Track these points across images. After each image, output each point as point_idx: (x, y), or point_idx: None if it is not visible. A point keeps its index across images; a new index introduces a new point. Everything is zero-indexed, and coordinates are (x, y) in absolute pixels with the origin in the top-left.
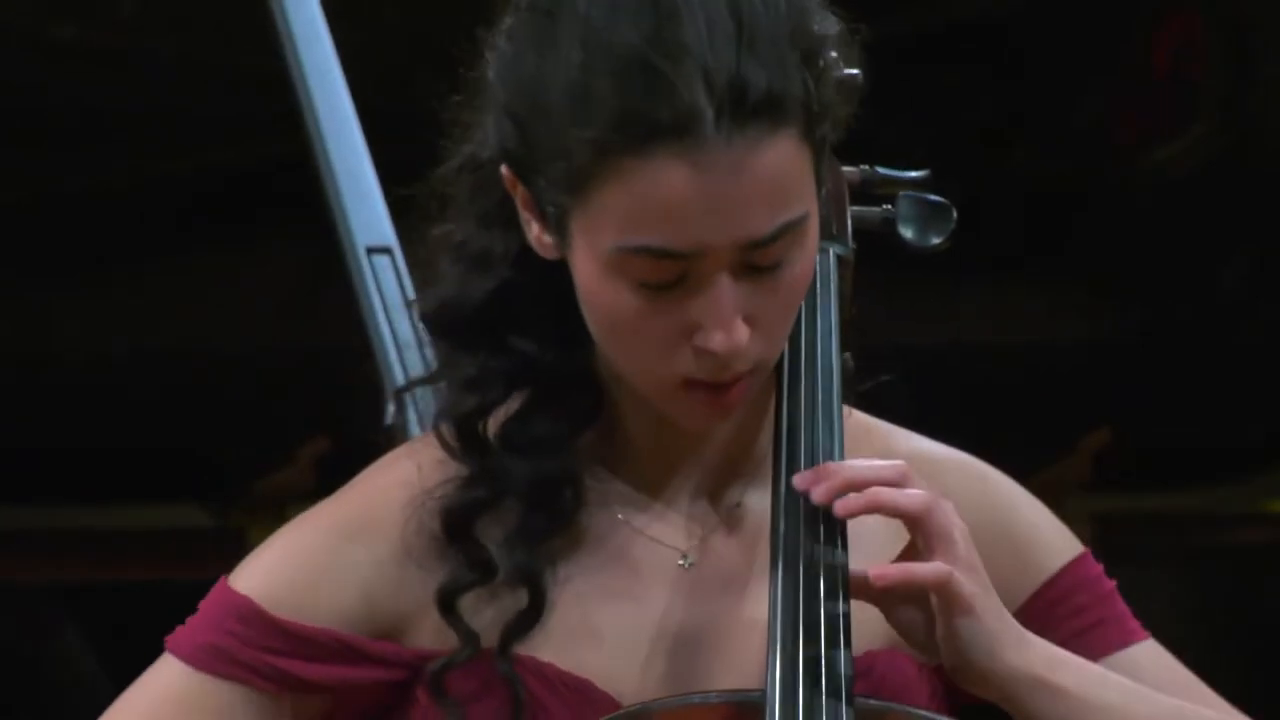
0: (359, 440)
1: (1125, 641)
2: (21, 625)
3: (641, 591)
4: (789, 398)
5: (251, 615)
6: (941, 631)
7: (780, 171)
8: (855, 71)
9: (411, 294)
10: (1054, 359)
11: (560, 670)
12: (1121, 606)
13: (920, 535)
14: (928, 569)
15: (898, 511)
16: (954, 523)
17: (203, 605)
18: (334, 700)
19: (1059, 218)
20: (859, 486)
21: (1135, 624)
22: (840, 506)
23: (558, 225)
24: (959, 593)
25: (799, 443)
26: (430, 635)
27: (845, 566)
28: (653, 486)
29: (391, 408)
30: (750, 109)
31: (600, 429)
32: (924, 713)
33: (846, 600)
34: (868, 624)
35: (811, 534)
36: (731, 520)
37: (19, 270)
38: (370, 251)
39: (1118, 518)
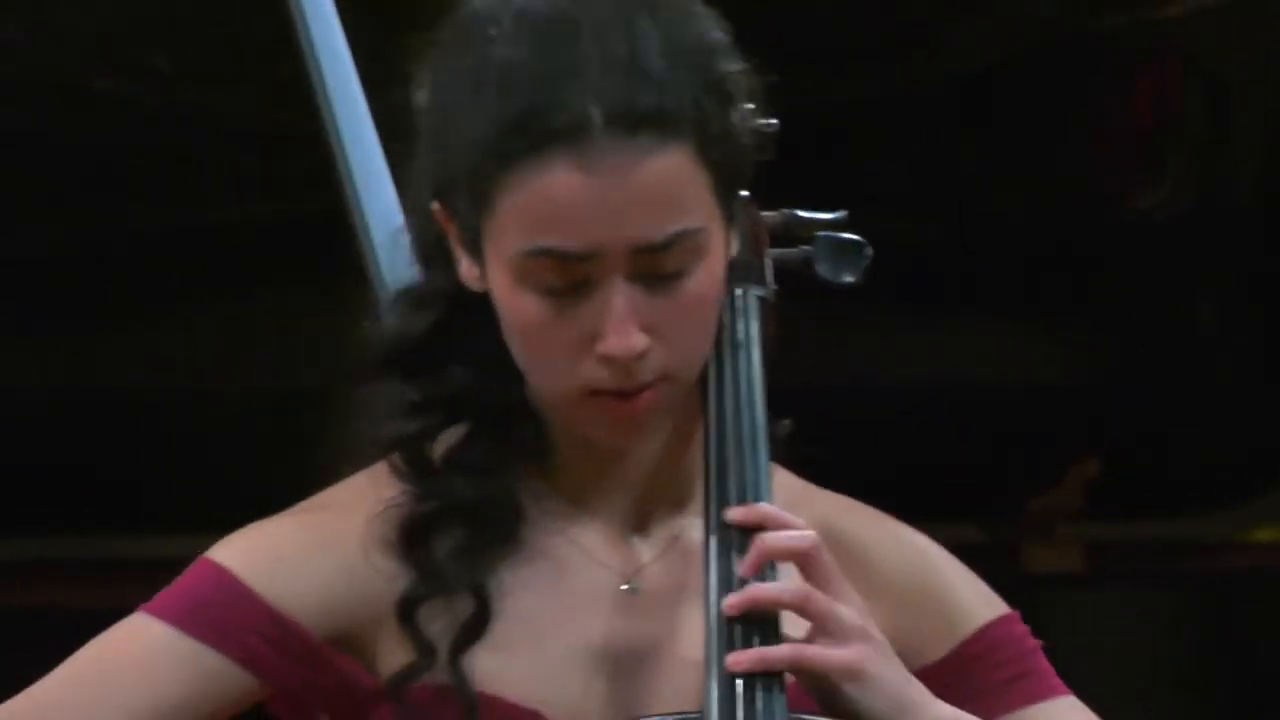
0: None
1: (1046, 695)
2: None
3: (585, 613)
4: (716, 433)
5: (231, 586)
6: (842, 700)
7: (669, 181)
8: (773, 121)
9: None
10: (1044, 396)
11: (503, 700)
12: (1045, 664)
13: (808, 618)
14: (831, 659)
15: (778, 605)
16: (833, 609)
17: (180, 577)
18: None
19: (1048, 262)
20: (771, 550)
21: (1058, 681)
22: (729, 606)
23: (474, 248)
24: (868, 674)
25: (728, 477)
26: (385, 657)
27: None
28: (594, 513)
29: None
30: (638, 119)
31: (541, 455)
32: None
33: (777, 627)
34: None
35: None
36: (671, 550)
37: (63, 312)
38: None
39: (1106, 545)
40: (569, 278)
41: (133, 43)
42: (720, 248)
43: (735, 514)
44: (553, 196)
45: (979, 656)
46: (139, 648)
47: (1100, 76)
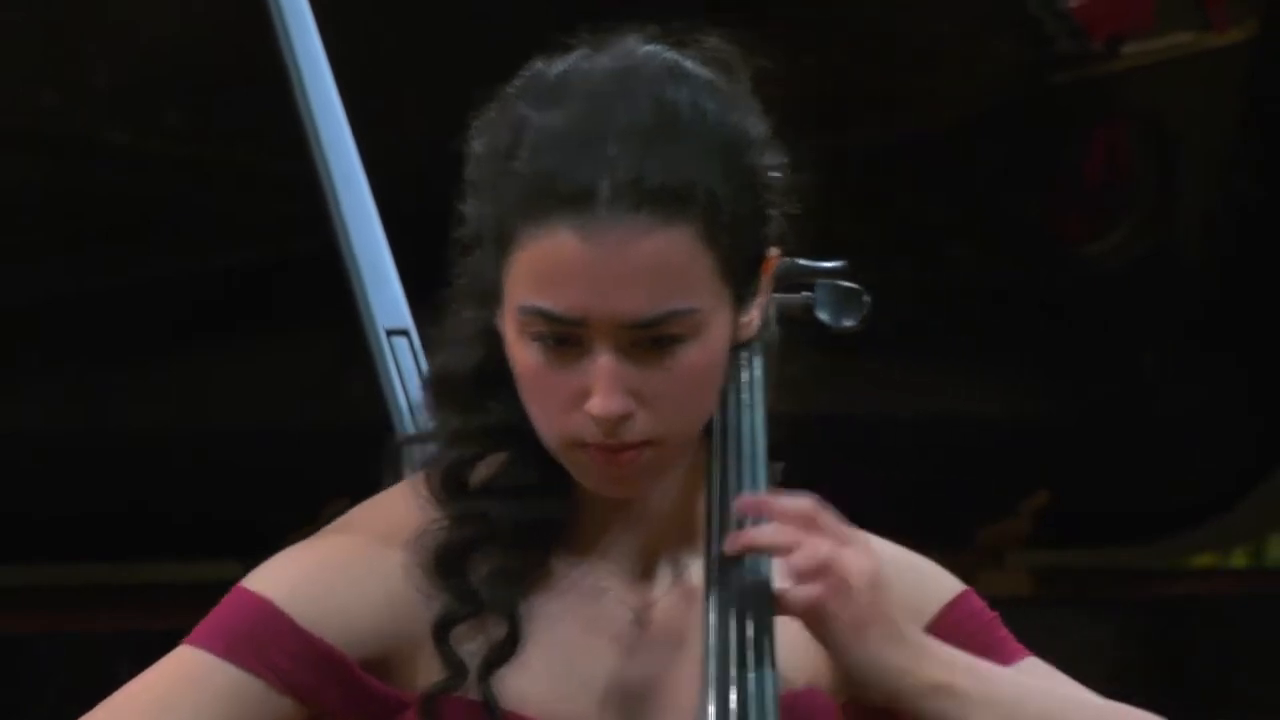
0: None
1: (1013, 660)
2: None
3: (601, 643)
4: (720, 477)
5: (269, 614)
6: (840, 650)
7: (667, 261)
8: (776, 174)
9: (427, 371)
10: (999, 433)
11: (523, 718)
12: (1004, 631)
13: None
14: (797, 595)
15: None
16: (814, 585)
17: (218, 607)
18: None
19: (1006, 308)
20: (765, 544)
21: (1018, 645)
22: (729, 545)
23: (498, 295)
24: (834, 616)
25: (729, 522)
26: (421, 674)
27: (771, 626)
28: (611, 549)
29: (407, 472)
30: (644, 196)
31: (567, 491)
32: None
33: (773, 653)
34: (787, 666)
35: (740, 600)
36: (678, 588)
37: (77, 354)
38: (389, 333)
39: (1055, 571)
40: (563, 337)
41: (146, 99)
42: (722, 327)
43: (730, 545)
44: (552, 260)
45: (947, 634)
46: (184, 677)
47: (1055, 131)
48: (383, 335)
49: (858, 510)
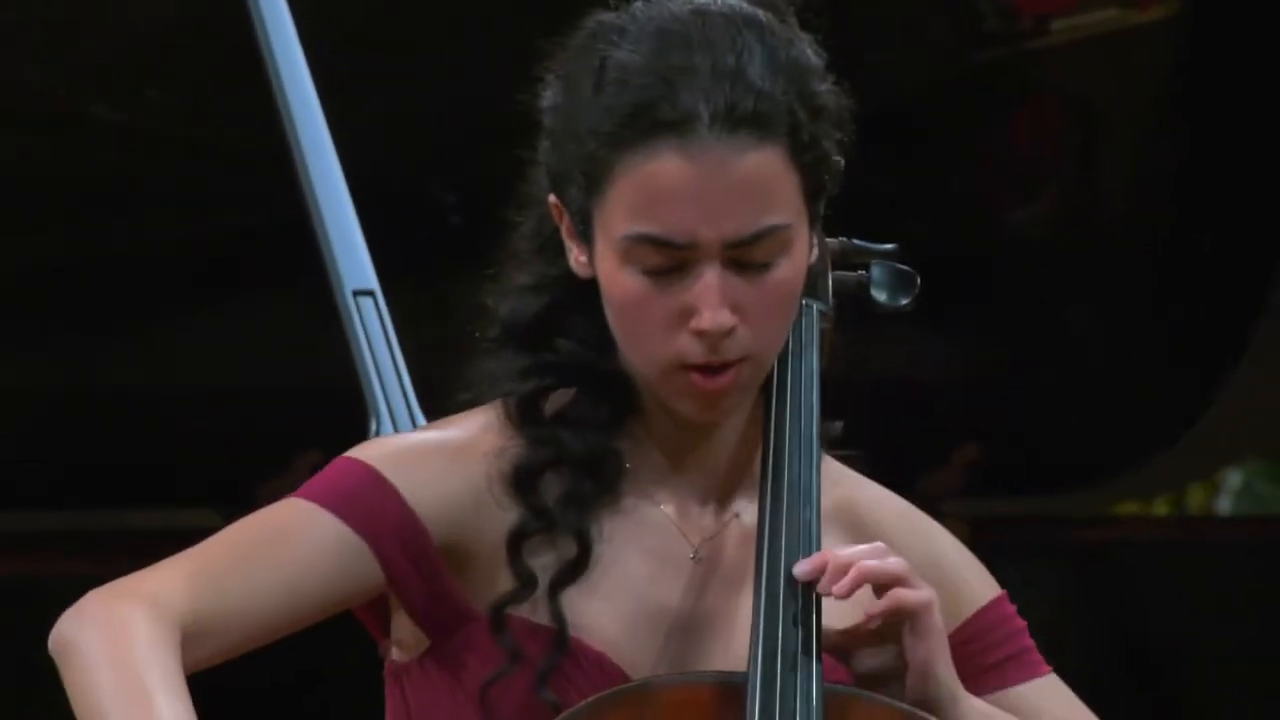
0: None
1: (1033, 674)
2: None
3: (660, 574)
4: (775, 427)
5: (377, 482)
6: (913, 668)
7: (763, 178)
8: (840, 159)
9: (391, 330)
10: (936, 389)
11: (582, 643)
12: (1029, 642)
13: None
14: (915, 593)
15: (886, 579)
16: (925, 589)
17: (325, 471)
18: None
19: (938, 272)
20: (847, 570)
21: (1040, 658)
22: (836, 588)
23: (584, 234)
24: (935, 622)
25: (783, 470)
26: (487, 583)
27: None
28: (676, 484)
29: (373, 425)
30: (739, 119)
31: (634, 426)
32: (887, 700)
33: (819, 606)
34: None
35: (790, 568)
36: (731, 527)
37: (63, 318)
38: (356, 294)
39: (989, 519)
40: (668, 261)
41: (129, 77)
42: (804, 246)
43: (801, 570)
44: (659, 183)
45: (978, 636)
46: (292, 523)
47: (985, 105)
48: (349, 295)
49: None
